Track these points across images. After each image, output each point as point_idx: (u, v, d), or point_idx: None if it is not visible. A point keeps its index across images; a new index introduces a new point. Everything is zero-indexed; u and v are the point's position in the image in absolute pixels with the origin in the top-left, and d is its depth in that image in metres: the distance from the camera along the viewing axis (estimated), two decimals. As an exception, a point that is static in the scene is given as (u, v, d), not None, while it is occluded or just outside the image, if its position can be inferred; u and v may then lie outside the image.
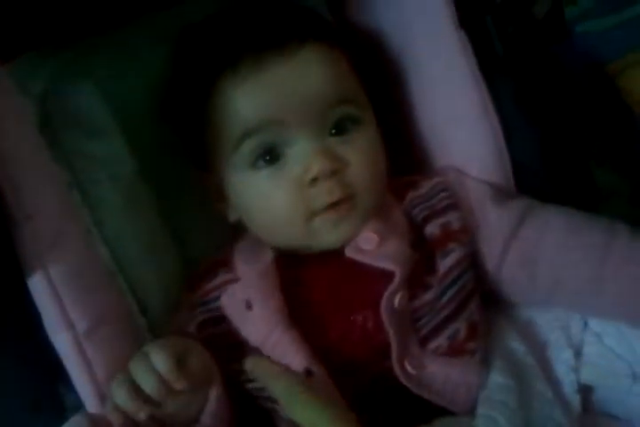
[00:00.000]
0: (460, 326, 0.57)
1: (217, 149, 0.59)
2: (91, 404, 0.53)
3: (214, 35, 0.59)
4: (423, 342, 0.57)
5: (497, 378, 0.56)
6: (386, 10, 0.65)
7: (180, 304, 0.62)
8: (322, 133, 0.58)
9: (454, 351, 0.56)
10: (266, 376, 0.54)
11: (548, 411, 0.54)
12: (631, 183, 0.73)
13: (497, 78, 0.64)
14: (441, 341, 0.57)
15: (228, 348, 0.58)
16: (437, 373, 0.55)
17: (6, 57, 0.57)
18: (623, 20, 0.71)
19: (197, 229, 0.68)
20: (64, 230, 0.53)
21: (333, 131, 0.58)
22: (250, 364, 0.56)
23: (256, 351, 0.57)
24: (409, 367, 0.55)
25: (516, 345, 0.59)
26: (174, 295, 0.63)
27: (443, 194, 0.62)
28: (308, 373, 0.54)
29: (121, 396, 0.51)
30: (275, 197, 0.58)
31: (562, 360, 0.58)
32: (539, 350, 0.59)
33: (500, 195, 0.62)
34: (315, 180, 0.56)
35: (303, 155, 0.57)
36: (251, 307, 0.57)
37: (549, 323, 0.61)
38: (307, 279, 0.59)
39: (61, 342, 0.52)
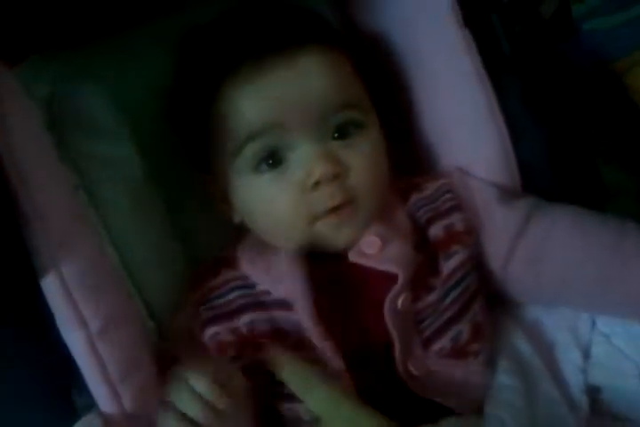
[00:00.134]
0: (464, 328, 0.57)
1: (220, 152, 0.59)
2: (104, 404, 0.53)
3: (215, 39, 0.59)
4: (426, 343, 0.57)
5: (503, 378, 0.56)
6: (387, 8, 0.65)
7: (180, 304, 0.62)
8: (324, 137, 0.58)
9: (458, 353, 0.57)
10: (285, 370, 0.55)
11: (555, 411, 0.54)
12: (638, 181, 0.73)
13: (504, 78, 0.64)
14: (444, 342, 0.57)
15: (232, 345, 0.58)
16: (441, 374, 0.55)
17: (13, 60, 0.57)
18: (630, 17, 0.71)
19: (205, 230, 0.68)
20: (74, 230, 0.53)
21: (336, 135, 0.58)
22: (271, 356, 0.55)
23: (261, 347, 0.57)
24: (412, 369, 0.55)
25: (523, 345, 0.59)
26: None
27: (447, 195, 0.61)
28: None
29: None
30: (277, 201, 0.58)
31: (569, 361, 0.58)
32: (546, 350, 0.59)
33: (506, 195, 0.62)
34: (317, 184, 0.56)
35: (305, 159, 0.57)
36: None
37: (556, 323, 0.61)
38: (310, 282, 0.59)
39: (75, 340, 0.52)
